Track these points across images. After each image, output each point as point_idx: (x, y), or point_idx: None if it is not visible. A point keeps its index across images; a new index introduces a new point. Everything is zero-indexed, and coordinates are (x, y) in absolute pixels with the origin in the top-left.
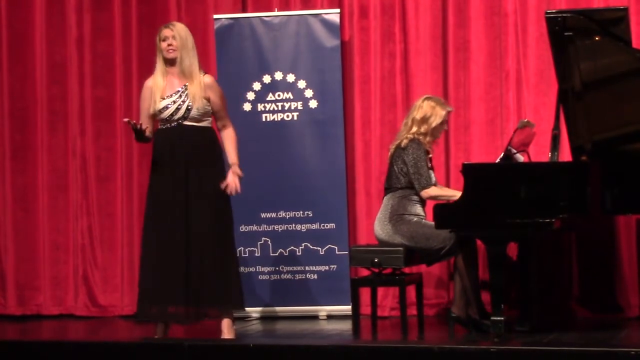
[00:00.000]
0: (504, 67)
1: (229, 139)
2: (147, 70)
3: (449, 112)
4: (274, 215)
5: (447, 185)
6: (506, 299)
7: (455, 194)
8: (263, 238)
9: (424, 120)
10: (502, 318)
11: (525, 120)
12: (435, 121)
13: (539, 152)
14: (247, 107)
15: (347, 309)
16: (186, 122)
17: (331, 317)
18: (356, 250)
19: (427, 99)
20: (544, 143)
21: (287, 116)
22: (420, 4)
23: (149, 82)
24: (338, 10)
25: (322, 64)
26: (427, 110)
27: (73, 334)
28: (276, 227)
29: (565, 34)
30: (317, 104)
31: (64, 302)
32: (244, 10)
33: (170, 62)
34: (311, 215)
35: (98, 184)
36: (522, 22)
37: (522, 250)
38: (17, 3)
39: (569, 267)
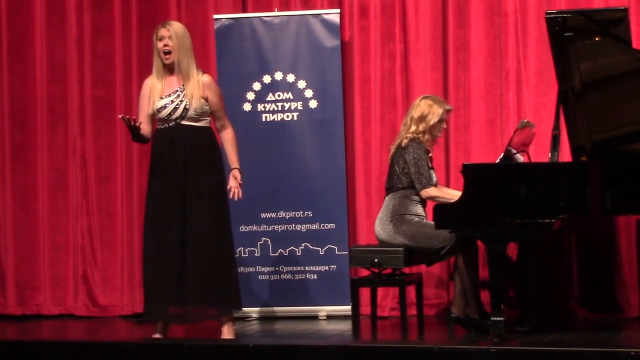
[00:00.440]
0: (504, 67)
1: (228, 140)
2: (147, 70)
3: (447, 111)
4: (273, 215)
5: (447, 185)
6: (506, 299)
7: (455, 196)
8: (263, 238)
9: (422, 118)
10: (502, 318)
11: (525, 120)
12: (432, 119)
13: (539, 153)
14: (247, 107)
15: (347, 309)
16: (184, 122)
17: (331, 317)
18: (356, 251)
19: (425, 97)
20: (544, 143)
21: (287, 116)
22: (420, 4)
23: (149, 81)
24: (338, 11)
25: (322, 64)
26: (425, 108)
27: (73, 334)
28: (276, 227)
29: (565, 34)
30: (317, 104)
31: (63, 302)
32: (244, 11)
33: (168, 65)
34: (311, 215)
35: (98, 184)
36: (522, 22)
37: (522, 251)
38: (17, 3)
39: (569, 267)
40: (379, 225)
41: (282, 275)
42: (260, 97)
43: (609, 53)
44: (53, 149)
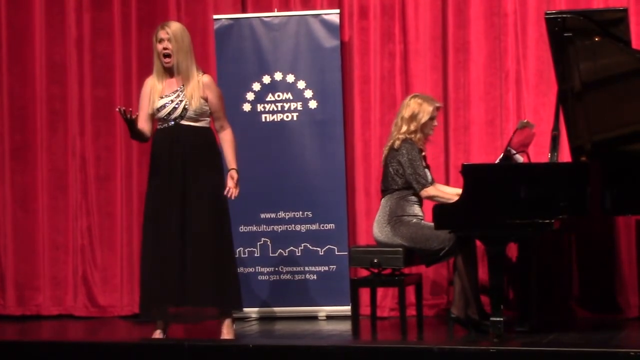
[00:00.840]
0: (504, 68)
1: (227, 141)
2: (147, 70)
3: (437, 108)
4: (273, 215)
5: (446, 185)
6: (506, 299)
7: (454, 194)
8: (262, 238)
9: (413, 117)
10: (502, 318)
11: (525, 120)
12: (423, 118)
13: (539, 153)
14: (246, 107)
15: (346, 309)
16: (183, 122)
17: (330, 317)
18: (356, 251)
19: (414, 96)
20: (544, 143)
21: (287, 116)
22: (420, 4)
23: (149, 81)
24: (338, 11)
25: (321, 65)
26: (415, 107)
27: (72, 334)
28: (276, 227)
29: (565, 34)
30: (316, 104)
31: (63, 303)
32: (244, 11)
33: (167, 68)
34: (311, 215)
35: (98, 184)
36: (521, 22)
37: (521, 251)
38: (17, 3)
39: (569, 267)
40: (377, 228)
41: (281, 276)
42: (260, 97)
43: (609, 53)
44: (53, 149)
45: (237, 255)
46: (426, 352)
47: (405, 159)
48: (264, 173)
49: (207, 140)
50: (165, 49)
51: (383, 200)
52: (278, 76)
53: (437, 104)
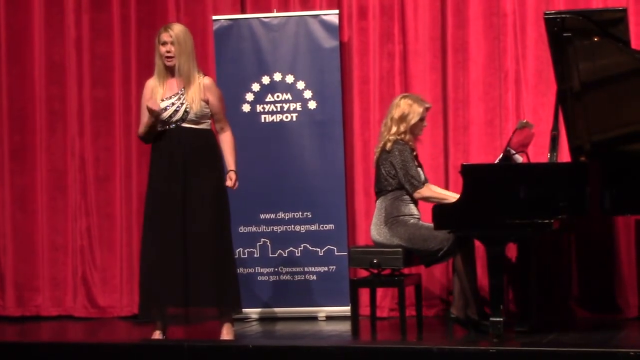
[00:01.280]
0: (503, 68)
1: (227, 143)
2: (146, 70)
3: (427, 109)
4: (273, 216)
5: (446, 185)
6: (505, 299)
7: (448, 196)
8: (262, 239)
9: (403, 118)
10: (501, 318)
11: (524, 120)
12: (413, 119)
13: (538, 153)
14: (246, 108)
15: (346, 309)
16: (184, 124)
17: (330, 318)
18: (355, 251)
19: (404, 97)
20: (543, 144)
21: (286, 117)
22: (419, 4)
23: (151, 82)
24: (337, 11)
25: (321, 65)
26: (405, 108)
27: (72, 335)
28: (275, 228)
29: (564, 34)
30: (316, 104)
31: (63, 303)
32: (243, 11)
33: (169, 68)
34: (310, 216)
35: (97, 184)
36: (521, 22)
37: (521, 251)
38: (16, 3)
39: (568, 267)
40: (375, 230)
41: (281, 276)
42: (259, 98)
43: (608, 53)
44: (52, 150)
45: (236, 256)
46: (426, 353)
47: (397, 160)
48: (264, 173)
49: (208, 142)
50: (168, 51)
51: (378, 202)
52: (277, 77)
53: (427, 105)
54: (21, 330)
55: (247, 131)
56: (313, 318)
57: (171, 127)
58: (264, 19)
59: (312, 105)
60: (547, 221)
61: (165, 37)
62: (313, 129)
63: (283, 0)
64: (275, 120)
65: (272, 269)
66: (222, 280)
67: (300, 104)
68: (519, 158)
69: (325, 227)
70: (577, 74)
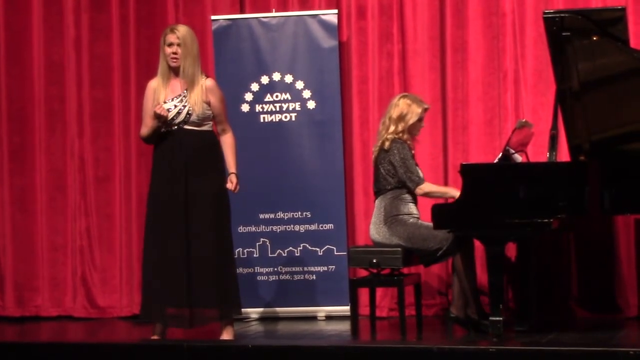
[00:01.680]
0: (502, 68)
1: (228, 145)
2: (145, 70)
3: (425, 110)
4: (272, 216)
5: (445, 185)
6: (505, 299)
7: (449, 190)
8: (262, 239)
9: (401, 118)
10: (501, 318)
11: (524, 120)
12: (412, 119)
13: (537, 152)
14: (245, 108)
15: (345, 309)
16: (187, 126)
17: (330, 317)
18: (354, 251)
19: (404, 96)
20: (542, 143)
21: (285, 117)
22: (418, 4)
23: (153, 83)
24: (336, 11)
25: (320, 65)
26: (404, 108)
27: (72, 335)
28: (275, 227)
29: (563, 34)
30: (315, 104)
31: (62, 304)
32: (242, 11)
33: (173, 68)
34: (310, 215)
35: (96, 185)
36: (520, 22)
37: (520, 250)
38: (15, 4)
39: (568, 267)
40: (374, 229)
41: (280, 276)
42: (259, 97)
43: (607, 53)
44: (51, 150)
45: (236, 256)
46: (425, 352)
47: (397, 158)
48: (263, 173)
49: (209, 143)
50: (174, 53)
51: (377, 201)
52: (276, 76)
53: (426, 106)
54: (21, 330)
55: (246, 131)
56: (313, 318)
57: (173, 128)
58: (262, 19)
59: (311, 105)
60: (546, 221)
61: (171, 38)
62: (312, 128)
63: (282, 0)
64: (274, 120)
65: (272, 268)
66: (222, 282)
67: (299, 103)
68: (518, 158)
69: (325, 226)
70: (577, 73)
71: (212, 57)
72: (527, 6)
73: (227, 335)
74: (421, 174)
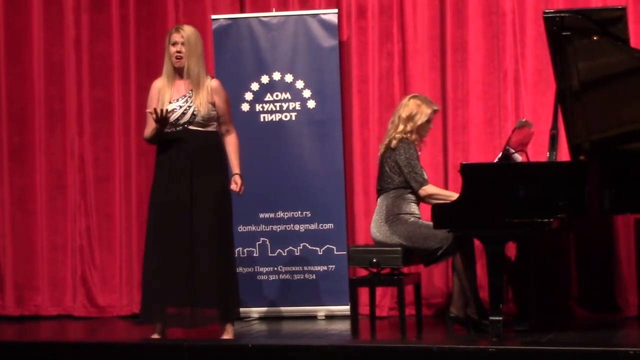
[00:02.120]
0: (502, 67)
1: (232, 145)
2: (145, 70)
3: (434, 111)
4: (272, 215)
5: (445, 185)
6: (505, 298)
7: (452, 195)
8: (261, 238)
9: (410, 118)
10: (501, 318)
11: (524, 120)
12: (420, 119)
13: (537, 152)
14: (245, 107)
15: (345, 309)
16: (191, 127)
17: (330, 317)
18: (354, 250)
19: (414, 97)
20: (542, 143)
21: (286, 116)
22: (418, 3)
23: (158, 83)
24: (336, 11)
25: (320, 64)
26: (413, 108)
27: (72, 334)
28: (274, 227)
29: (563, 33)
30: (315, 104)
31: (62, 303)
32: (242, 11)
33: (178, 69)
34: (309, 215)
35: (96, 185)
36: (520, 21)
37: (520, 250)
38: (15, 3)
39: (568, 266)
40: (375, 227)
41: (280, 276)
42: (259, 97)
43: (607, 52)
44: (51, 150)
45: (236, 256)
46: (425, 352)
47: (402, 157)
48: (263, 173)
49: (214, 144)
50: (178, 52)
51: (379, 199)
52: (276, 76)
53: (435, 107)
54: (21, 329)
55: (247, 130)
56: (312, 317)
57: (178, 129)
58: (263, 19)
59: (311, 104)
60: (546, 220)
61: (176, 37)
62: (312, 128)
63: None
64: (274, 120)
65: (272, 268)
66: (223, 282)
67: (299, 103)
68: (518, 157)
69: (325, 226)
70: (577, 73)
71: (212, 56)
72: (527, 6)
73: (227, 334)
74: (425, 176)
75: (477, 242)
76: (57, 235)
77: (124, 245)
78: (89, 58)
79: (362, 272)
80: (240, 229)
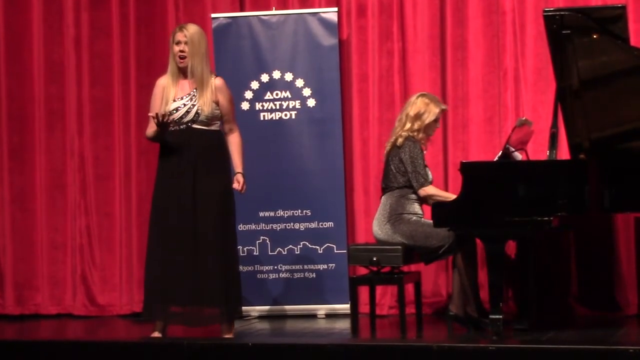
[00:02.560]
0: (502, 66)
1: (235, 144)
2: (145, 69)
3: (442, 110)
4: (272, 214)
5: (445, 183)
6: (505, 297)
7: (451, 196)
8: (262, 237)
9: (418, 117)
10: (501, 316)
11: (524, 118)
12: (428, 118)
13: (537, 151)
14: (245, 106)
15: (345, 307)
16: (195, 125)
17: (330, 315)
18: (354, 249)
19: (422, 95)
20: (542, 141)
21: (285, 115)
22: (418, 2)
23: (162, 81)
24: (336, 9)
25: (320, 63)
26: (421, 107)
27: (71, 333)
28: (275, 226)
29: (563, 32)
30: (315, 102)
31: (62, 302)
32: (242, 9)
33: (182, 69)
34: (309, 214)
35: (96, 184)
36: (520, 20)
37: (520, 249)
38: (15, 3)
39: (568, 265)
40: (377, 226)
41: (280, 274)
42: (259, 96)
43: (607, 51)
44: (51, 149)
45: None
46: (425, 350)
47: (407, 156)
48: (263, 172)
49: (217, 143)
50: (181, 51)
51: (383, 197)
52: (276, 75)
53: (443, 107)
54: (20, 328)
55: (246, 129)
56: (312, 316)
57: (181, 127)
58: (262, 17)
59: (311, 103)
60: (546, 219)
61: (179, 36)
62: (312, 127)
63: None
64: (274, 118)
65: (272, 266)
66: (226, 282)
67: (299, 102)
68: (518, 156)
69: (325, 224)
70: (577, 71)
71: (212, 55)
72: (527, 4)
73: (227, 333)
74: (430, 176)
75: (478, 241)
76: (57, 234)
77: (123, 244)
78: (89, 57)
79: (362, 271)
80: (240, 227)
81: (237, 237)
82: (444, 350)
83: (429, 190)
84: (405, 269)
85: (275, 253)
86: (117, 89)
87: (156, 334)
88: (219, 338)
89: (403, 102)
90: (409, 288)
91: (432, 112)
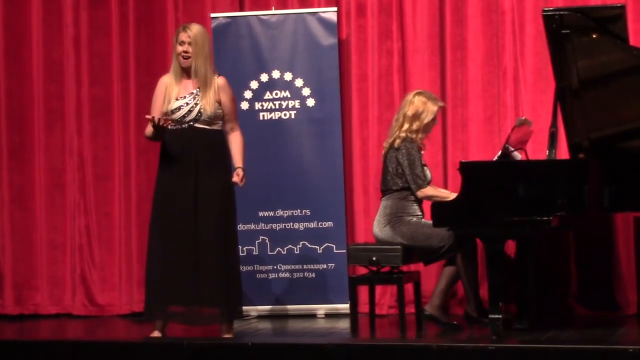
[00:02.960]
0: (502, 65)
1: (236, 143)
2: (145, 68)
3: (440, 108)
4: (272, 213)
5: (444, 183)
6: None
7: (450, 195)
8: (261, 237)
9: (416, 116)
10: (500, 316)
11: (523, 118)
12: (427, 118)
13: (537, 150)
14: (244, 105)
15: (345, 307)
16: (197, 125)
17: (329, 315)
18: (354, 249)
19: (418, 94)
20: (542, 141)
21: (285, 115)
22: (418, 2)
23: (165, 79)
24: (335, 9)
25: (319, 62)
26: (419, 106)
27: (71, 333)
28: (274, 225)
29: (563, 31)
30: (314, 102)
31: (61, 302)
32: (242, 9)
33: (185, 69)
34: (309, 213)
35: (96, 183)
36: (519, 19)
37: (520, 248)
38: (14, 2)
39: (567, 265)
40: (377, 228)
41: (280, 274)
42: (258, 95)
43: (607, 50)
44: (50, 148)
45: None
46: (425, 350)
47: (404, 159)
48: (262, 171)
49: (219, 142)
50: (185, 52)
51: (383, 200)
52: (276, 74)
53: (441, 104)
54: (20, 328)
55: (246, 129)
56: (312, 315)
57: (184, 126)
58: (262, 17)
59: (310, 102)
60: (545, 219)
61: (183, 36)
62: (312, 126)
63: None
64: (273, 118)
65: (271, 266)
66: (227, 281)
67: (298, 101)
68: (518, 155)
69: (324, 224)
70: (576, 71)
71: (212, 55)
72: (527, 4)
73: (227, 333)
74: (429, 176)
75: (478, 241)
76: (57, 234)
77: (123, 244)
78: (88, 56)
79: (362, 271)
80: (239, 227)
81: (237, 235)
82: (443, 350)
83: (427, 191)
84: (405, 268)
85: (275, 253)
86: (116, 88)
87: (156, 333)
88: (219, 338)
89: None
90: (409, 288)
91: (430, 111)
